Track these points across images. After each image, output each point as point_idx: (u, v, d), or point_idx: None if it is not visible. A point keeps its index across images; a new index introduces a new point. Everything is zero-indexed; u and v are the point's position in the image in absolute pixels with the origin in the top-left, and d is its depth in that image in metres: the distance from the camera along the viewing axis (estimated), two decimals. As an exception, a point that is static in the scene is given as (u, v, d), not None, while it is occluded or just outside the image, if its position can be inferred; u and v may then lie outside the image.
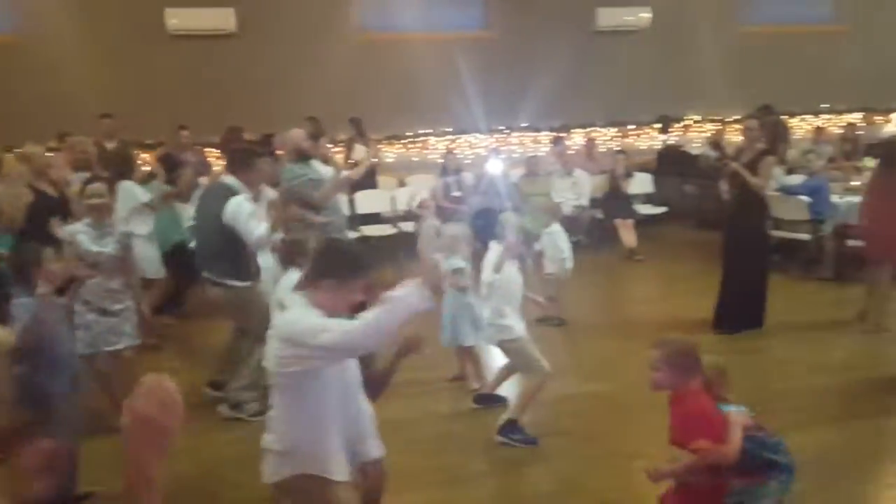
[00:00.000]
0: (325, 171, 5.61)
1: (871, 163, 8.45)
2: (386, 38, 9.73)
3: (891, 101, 11.38)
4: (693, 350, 2.75)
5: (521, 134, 10.38)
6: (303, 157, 5.49)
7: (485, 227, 4.60)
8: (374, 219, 8.90)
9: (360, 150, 8.85)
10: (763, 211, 5.87)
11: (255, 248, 4.46)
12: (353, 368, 2.68)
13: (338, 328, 2.43)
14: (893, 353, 5.50)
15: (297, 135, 5.67)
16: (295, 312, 2.52)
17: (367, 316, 2.44)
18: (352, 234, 8.23)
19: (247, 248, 4.47)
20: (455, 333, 4.90)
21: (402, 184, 9.52)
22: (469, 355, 5.06)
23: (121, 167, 5.79)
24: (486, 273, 4.29)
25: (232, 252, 4.46)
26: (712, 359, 2.89)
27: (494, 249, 4.33)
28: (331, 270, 2.56)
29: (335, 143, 8.98)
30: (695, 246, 8.60)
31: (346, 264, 2.59)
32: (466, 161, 9.57)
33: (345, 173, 6.01)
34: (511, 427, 4.24)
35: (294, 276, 3.43)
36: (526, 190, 8.75)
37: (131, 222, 5.43)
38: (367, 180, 8.98)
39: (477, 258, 4.72)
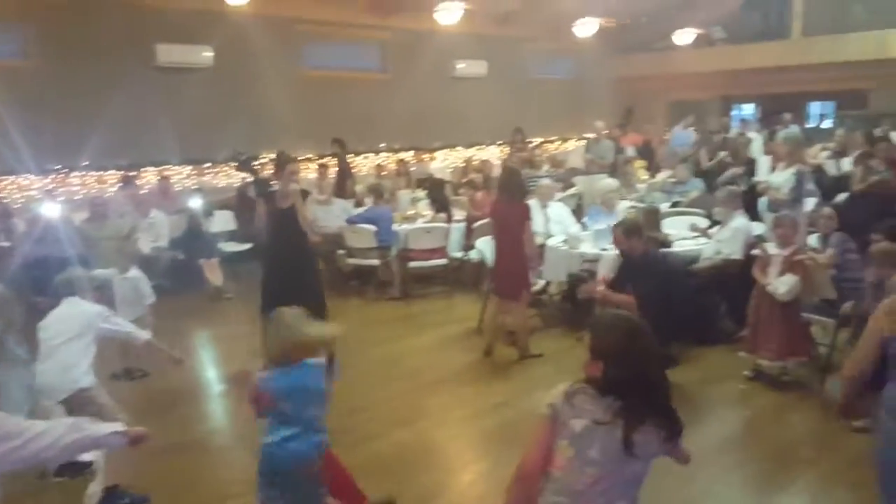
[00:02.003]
0: None
1: (422, 193, 9.81)
2: None
3: (433, 141, 13.36)
4: None
5: (84, 174, 9.40)
6: None
7: (42, 278, 4.09)
8: None
9: None
10: (307, 245, 5.84)
11: None
12: None
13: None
14: (456, 357, 6.38)
15: None
16: None
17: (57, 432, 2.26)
18: None
19: None
20: (6, 404, 4.16)
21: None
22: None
23: None
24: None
25: None
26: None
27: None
28: None
29: None
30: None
31: None
32: (15, 206, 8.29)
33: None
34: (113, 494, 3.84)
35: None
36: (94, 234, 7.93)
37: None
38: None
39: (34, 313, 4.16)
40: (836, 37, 13.46)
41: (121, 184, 9.32)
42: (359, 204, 9.32)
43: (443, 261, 8.33)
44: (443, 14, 10.69)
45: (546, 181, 8.30)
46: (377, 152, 12.48)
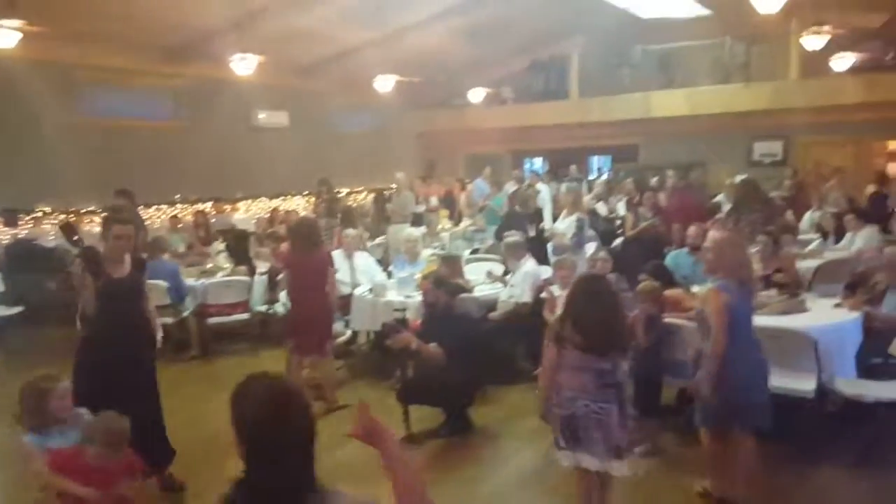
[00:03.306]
0: None
1: (221, 246, 9.42)
2: None
3: (235, 191, 12.94)
4: None
5: None
6: None
7: None
8: None
9: None
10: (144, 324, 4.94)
11: None
12: None
13: None
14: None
15: None
16: None
17: None
18: None
19: None
20: None
21: None
22: None
23: None
24: None
25: None
26: None
27: None
28: None
29: None
30: (59, 344, 7.96)
31: None
32: None
33: None
34: None
35: None
36: None
37: None
38: None
39: None
40: (608, 98, 15.06)
41: None
42: (151, 258, 8.72)
43: (245, 315, 8.01)
44: (239, 64, 10.47)
45: (351, 231, 8.33)
46: (172, 204, 11.83)
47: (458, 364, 5.27)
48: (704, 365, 3.94)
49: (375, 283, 7.14)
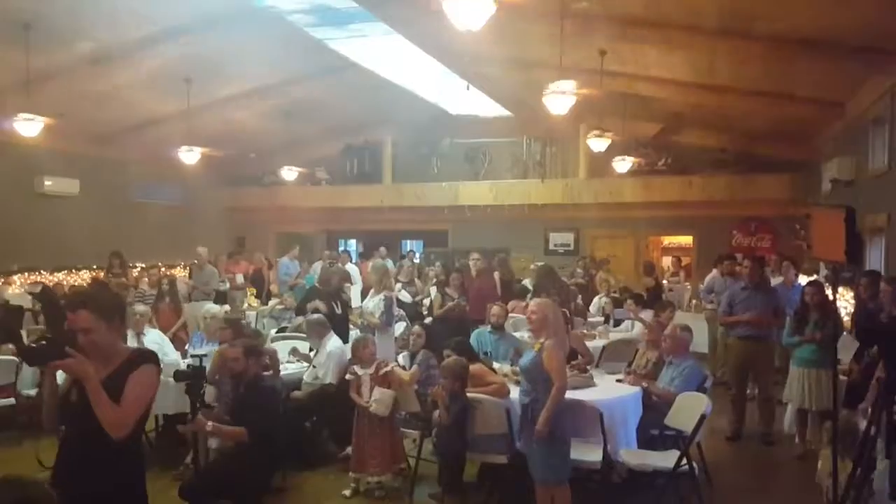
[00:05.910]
0: None
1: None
2: None
3: (10, 263, 11.59)
4: None
5: None
6: None
7: None
8: None
9: None
10: None
11: None
12: None
13: None
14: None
15: None
16: None
17: None
18: None
19: None
20: None
21: None
22: None
23: None
24: None
25: None
26: None
27: None
28: None
29: None
30: None
31: None
32: None
33: None
34: None
35: None
36: None
37: None
38: None
39: None
40: (420, 185, 15.65)
41: None
42: None
43: (9, 400, 7.06)
44: (24, 125, 9.51)
45: (141, 307, 7.71)
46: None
47: (256, 447, 4.94)
48: (547, 406, 4.33)
49: (166, 362, 6.61)
